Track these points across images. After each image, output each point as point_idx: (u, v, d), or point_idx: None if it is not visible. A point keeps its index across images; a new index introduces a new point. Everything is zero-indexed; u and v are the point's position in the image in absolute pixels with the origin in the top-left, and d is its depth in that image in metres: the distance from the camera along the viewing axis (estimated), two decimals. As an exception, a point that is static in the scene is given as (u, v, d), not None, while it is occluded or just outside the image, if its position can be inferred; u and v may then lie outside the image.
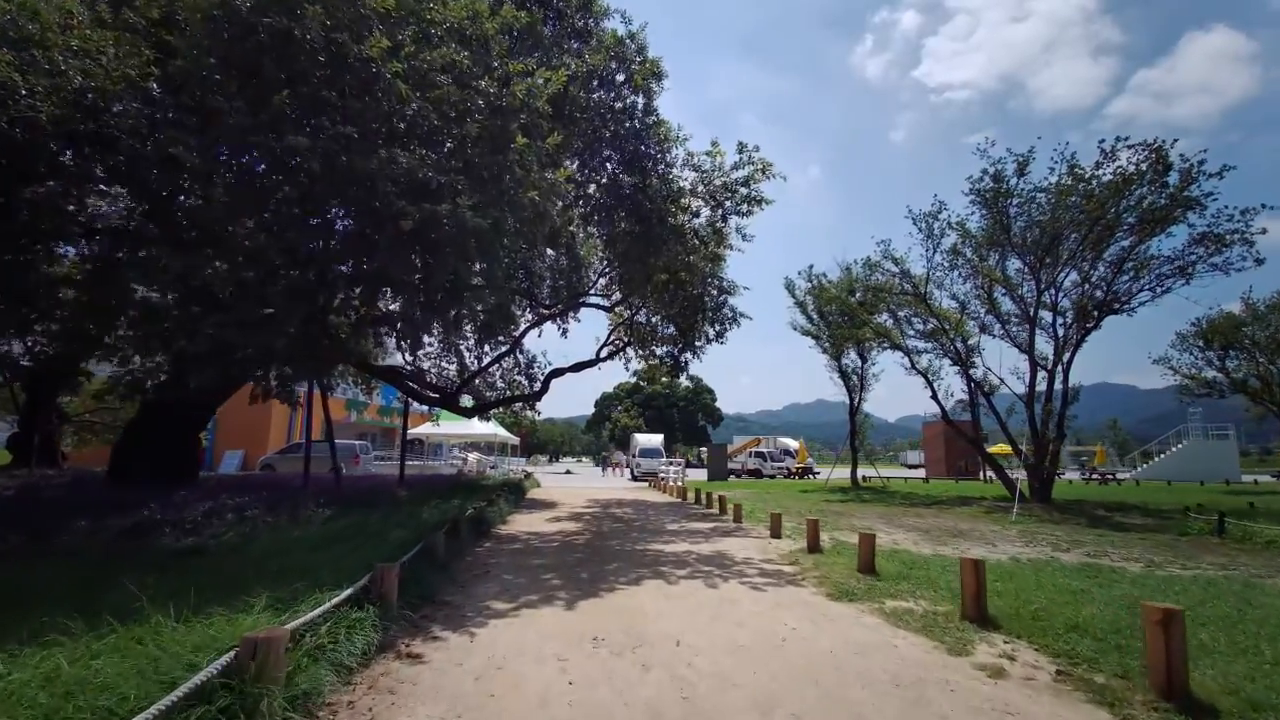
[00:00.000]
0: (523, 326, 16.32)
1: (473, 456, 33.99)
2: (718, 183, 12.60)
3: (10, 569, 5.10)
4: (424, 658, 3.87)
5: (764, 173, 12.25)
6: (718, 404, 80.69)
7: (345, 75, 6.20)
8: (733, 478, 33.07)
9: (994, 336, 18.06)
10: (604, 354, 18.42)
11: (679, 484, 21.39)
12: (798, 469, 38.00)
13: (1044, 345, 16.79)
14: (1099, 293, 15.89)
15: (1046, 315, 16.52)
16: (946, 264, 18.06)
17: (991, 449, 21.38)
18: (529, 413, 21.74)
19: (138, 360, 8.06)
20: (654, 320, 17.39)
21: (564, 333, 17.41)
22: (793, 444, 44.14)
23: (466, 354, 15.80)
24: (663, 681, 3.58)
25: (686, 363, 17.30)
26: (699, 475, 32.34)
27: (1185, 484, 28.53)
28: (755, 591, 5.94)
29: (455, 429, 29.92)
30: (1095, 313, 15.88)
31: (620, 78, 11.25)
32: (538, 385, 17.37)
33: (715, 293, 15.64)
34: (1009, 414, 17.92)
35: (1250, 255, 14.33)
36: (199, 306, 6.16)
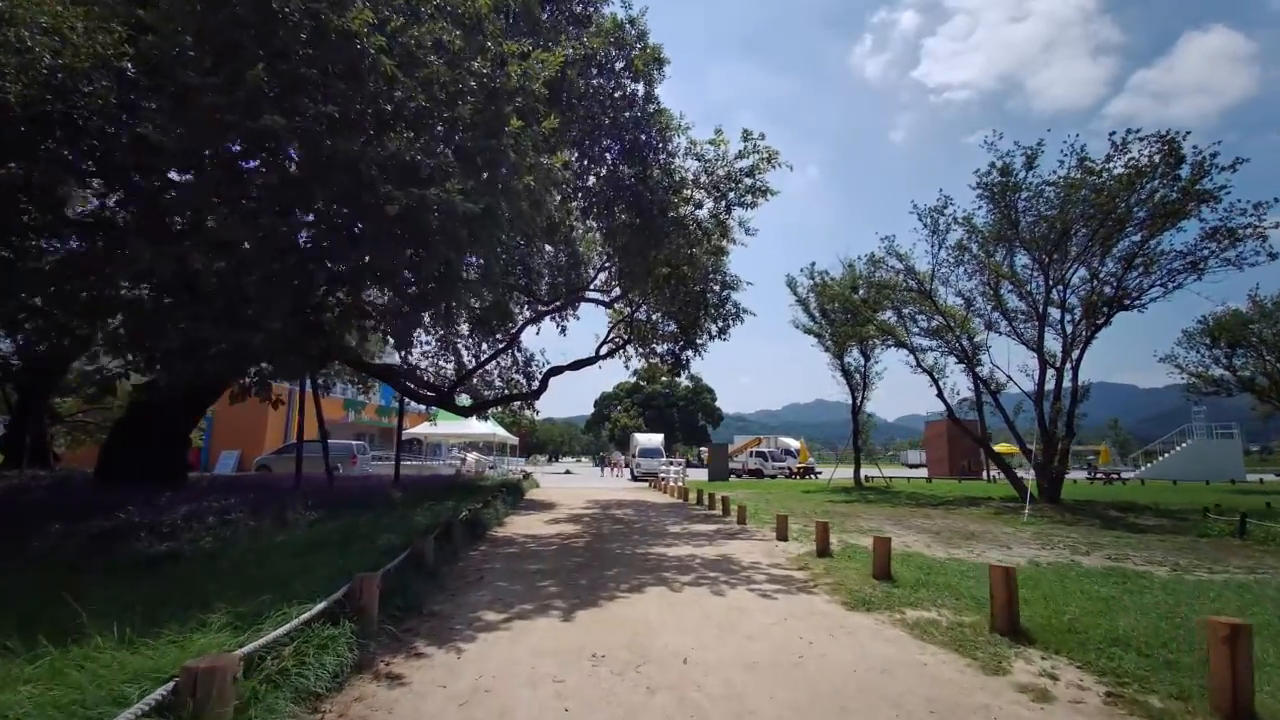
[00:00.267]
0: (520, 323, 15.95)
1: (471, 456, 33.62)
2: (721, 172, 12.18)
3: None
4: (404, 679, 3.49)
5: (770, 161, 11.83)
6: (717, 404, 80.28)
7: (328, 51, 5.82)
8: (734, 478, 32.72)
9: (1000, 333, 17.75)
10: (604, 351, 18.04)
11: (680, 484, 21.02)
12: (799, 469, 37.63)
13: (1052, 342, 16.46)
14: (1108, 289, 15.56)
15: (1055, 312, 16.21)
16: (952, 260, 17.73)
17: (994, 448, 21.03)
18: (527, 412, 21.37)
19: (111, 359, 7.65)
20: (655, 317, 17.01)
21: (563, 330, 17.04)
22: (794, 444, 43.77)
23: (464, 352, 15.44)
24: (670, 707, 3.21)
25: (688, 360, 16.92)
26: (699, 475, 31.98)
27: (1191, 483, 28.21)
28: (765, 600, 5.57)
29: (454, 429, 29.55)
30: (1105, 309, 15.53)
31: (620, 65, 10.86)
32: (536, 384, 17.00)
33: (718, 288, 15.25)
34: (1016, 413, 17.58)
35: (1264, 249, 14.02)
36: (170, 299, 5.77)
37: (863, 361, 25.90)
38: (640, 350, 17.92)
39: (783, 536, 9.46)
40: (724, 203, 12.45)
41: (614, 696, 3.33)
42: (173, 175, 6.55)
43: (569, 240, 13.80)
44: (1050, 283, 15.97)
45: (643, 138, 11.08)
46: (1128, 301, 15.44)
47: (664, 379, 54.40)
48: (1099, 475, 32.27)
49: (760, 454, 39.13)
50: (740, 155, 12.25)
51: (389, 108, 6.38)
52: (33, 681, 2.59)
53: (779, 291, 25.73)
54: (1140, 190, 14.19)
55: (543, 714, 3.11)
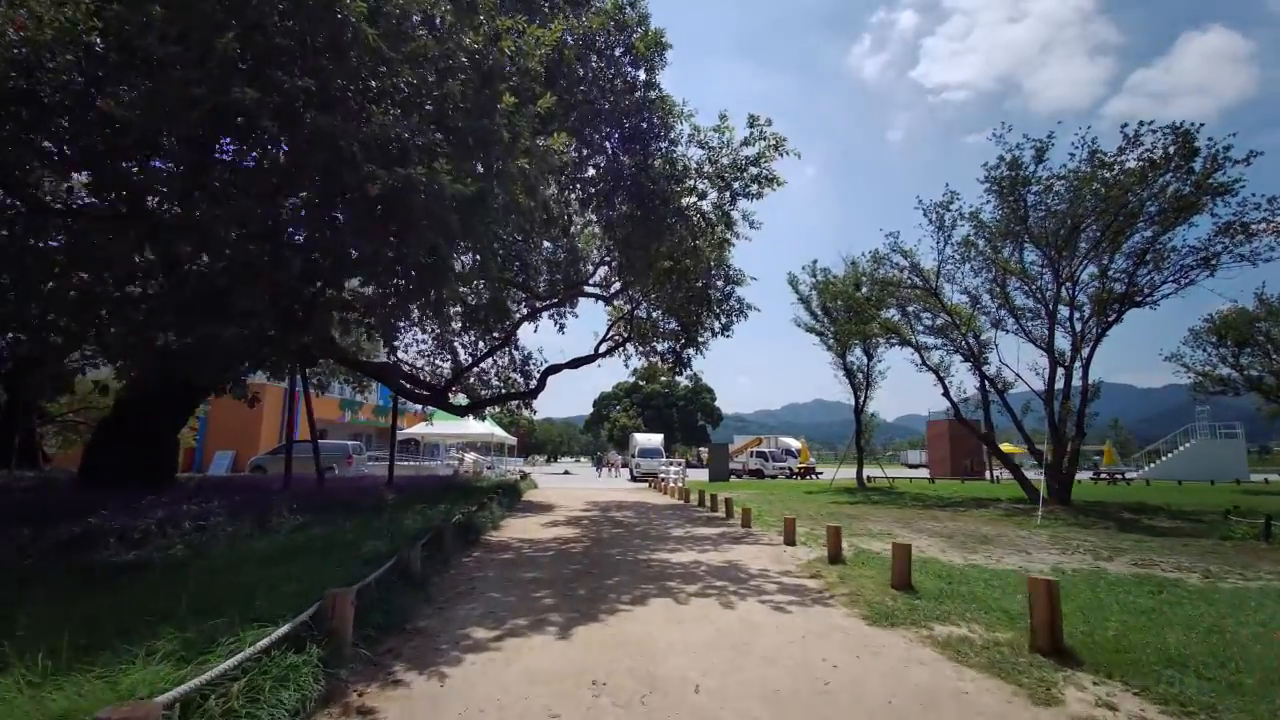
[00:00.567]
0: (517, 319, 15.50)
1: (470, 457, 33.17)
2: (725, 161, 11.71)
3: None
4: (377, 713, 3.07)
5: (777, 149, 11.35)
6: (716, 404, 79.87)
7: (305, 21, 5.39)
8: (734, 478, 32.34)
9: (1008, 331, 17.37)
10: (603, 349, 17.61)
11: (680, 485, 20.61)
12: (800, 469, 37.22)
13: (1061, 340, 16.08)
14: (1118, 285, 15.18)
15: (1064, 310, 15.81)
16: (958, 256, 17.34)
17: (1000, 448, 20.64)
18: (525, 411, 20.92)
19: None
20: (655, 315, 16.57)
21: (561, 328, 16.58)
22: (795, 444, 43.38)
23: (461, 350, 15.00)
24: (682, 748, 2.79)
25: (690, 358, 16.49)
26: (699, 475, 31.57)
27: (1196, 483, 27.86)
28: (780, 613, 5.15)
29: (451, 429, 29.10)
30: (1116, 306, 15.15)
31: (619, 50, 10.43)
32: (534, 382, 16.56)
33: (721, 283, 14.80)
34: (1024, 412, 17.20)
35: (1279, 244, 13.67)
36: (136, 289, 5.33)
37: (866, 361, 25.53)
38: (640, 348, 17.49)
39: (790, 541, 9.05)
40: (728, 193, 11.95)
41: (617, 734, 2.92)
42: (155, 164, 6.10)
43: (567, 233, 13.35)
44: (1060, 279, 15.59)
45: (644, 125, 10.63)
46: (1139, 298, 15.08)
47: (663, 379, 53.99)
48: (1104, 475, 31.90)
49: (761, 454, 38.72)
50: (746, 142, 11.79)
51: (373, 83, 5.95)
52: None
53: (777, 290, 25.41)
54: (1153, 184, 13.83)
55: (535, 757, 2.69)
